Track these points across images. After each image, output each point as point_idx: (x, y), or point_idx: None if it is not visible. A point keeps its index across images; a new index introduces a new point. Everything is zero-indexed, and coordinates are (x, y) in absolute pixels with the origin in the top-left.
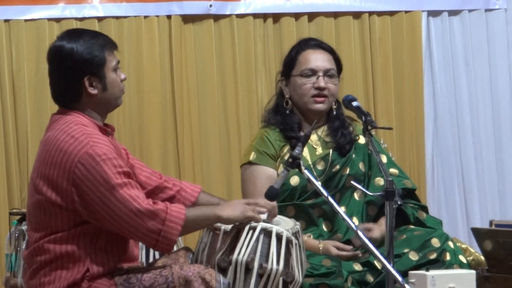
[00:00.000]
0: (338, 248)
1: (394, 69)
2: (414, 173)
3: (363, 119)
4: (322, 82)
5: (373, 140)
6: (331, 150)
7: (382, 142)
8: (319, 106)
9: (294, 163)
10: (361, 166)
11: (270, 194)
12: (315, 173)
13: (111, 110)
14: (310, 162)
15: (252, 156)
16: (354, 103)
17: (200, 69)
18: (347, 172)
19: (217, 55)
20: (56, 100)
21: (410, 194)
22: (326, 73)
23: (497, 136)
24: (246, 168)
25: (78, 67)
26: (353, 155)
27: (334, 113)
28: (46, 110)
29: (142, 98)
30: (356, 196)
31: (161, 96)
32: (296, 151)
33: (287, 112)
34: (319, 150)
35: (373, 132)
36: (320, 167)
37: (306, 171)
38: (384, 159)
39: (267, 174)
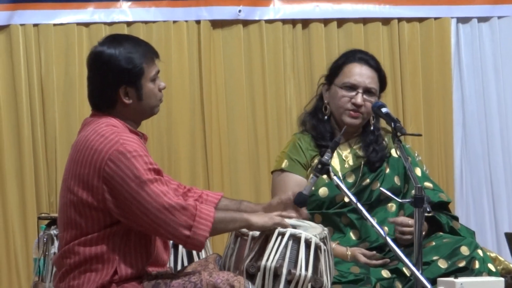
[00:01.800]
0: (365, 256)
1: (423, 76)
2: (442, 180)
3: (392, 125)
4: (359, 99)
5: (402, 146)
6: (362, 164)
7: (416, 154)
8: (352, 121)
9: (324, 169)
10: (396, 180)
11: (299, 200)
12: (346, 186)
13: (146, 118)
14: (340, 175)
15: (284, 164)
16: (384, 110)
17: (228, 75)
18: (378, 186)
19: (245, 61)
20: (92, 104)
21: (443, 207)
22: (366, 91)
23: None
24: (278, 174)
25: (115, 76)
26: (387, 170)
27: (371, 128)
28: (74, 114)
29: (170, 103)
30: (389, 208)
31: (190, 101)
32: (326, 157)
33: (324, 118)
34: (349, 163)
35: (408, 144)
36: (350, 179)
37: (335, 177)
38: (418, 172)
39: (298, 182)
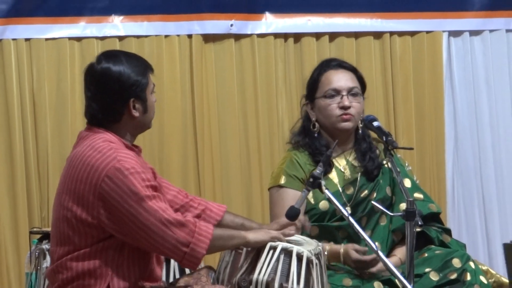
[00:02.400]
0: (358, 252)
1: (414, 89)
2: (434, 193)
3: (384, 139)
4: (346, 101)
5: (394, 160)
6: (359, 175)
7: (407, 165)
8: (346, 125)
9: (315, 183)
10: (387, 190)
11: (291, 214)
12: (344, 198)
13: (143, 131)
14: (339, 187)
15: (282, 180)
16: (375, 123)
17: (220, 89)
18: (374, 196)
19: (237, 75)
20: (91, 120)
21: (435, 217)
22: (350, 91)
23: None
24: (276, 190)
25: (126, 90)
26: (381, 180)
27: (360, 132)
28: (66, 128)
29: (162, 117)
30: (381, 222)
31: (182, 115)
32: (317, 171)
33: (315, 135)
34: (347, 175)
35: (398, 154)
36: (349, 192)
37: (327, 191)
38: (408, 183)
39: (297, 198)
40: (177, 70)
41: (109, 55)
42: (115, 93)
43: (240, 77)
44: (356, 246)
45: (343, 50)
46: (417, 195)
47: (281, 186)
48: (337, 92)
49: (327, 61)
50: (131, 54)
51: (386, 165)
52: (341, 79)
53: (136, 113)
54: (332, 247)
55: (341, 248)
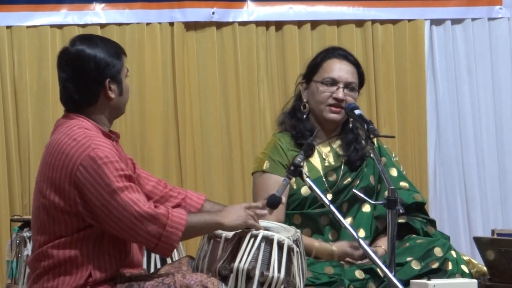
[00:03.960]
0: (353, 247)
1: (396, 78)
2: (416, 182)
3: (365, 127)
4: (341, 94)
5: (374, 148)
6: (343, 163)
7: (394, 155)
8: (334, 116)
9: (296, 171)
10: (371, 179)
11: (272, 202)
12: (326, 185)
13: (118, 116)
14: (321, 173)
15: (265, 165)
16: (357, 111)
17: (202, 76)
18: (357, 183)
19: (219, 63)
20: (67, 103)
21: (419, 208)
22: (347, 85)
23: (500, 145)
24: (259, 176)
25: (101, 70)
26: (365, 169)
27: (350, 125)
28: (48, 116)
29: (144, 104)
30: (363, 208)
31: (163, 103)
32: (298, 159)
33: (303, 117)
34: (330, 162)
35: (385, 145)
36: (331, 178)
37: (308, 179)
38: (394, 172)
39: (279, 183)
40: (159, 58)
41: (84, 38)
42: (91, 73)
43: (221, 65)
44: (352, 243)
45: (325, 38)
46: (402, 184)
47: (264, 171)
48: (334, 82)
49: (334, 48)
50: (104, 38)
51: (370, 158)
52: (342, 70)
53: (112, 95)
54: (323, 245)
55: (332, 246)
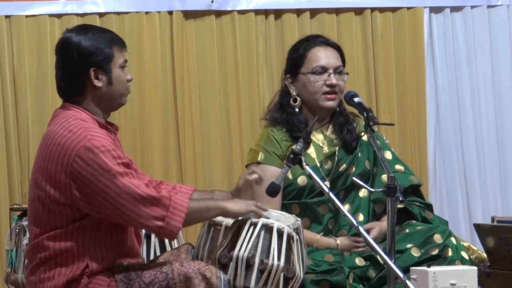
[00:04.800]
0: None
1: (396, 66)
2: (416, 169)
3: (365, 115)
4: (334, 80)
5: (375, 136)
6: (337, 149)
7: (385, 138)
8: (330, 104)
9: (296, 159)
10: (366, 164)
11: (271, 190)
12: (322, 173)
13: (115, 108)
14: (317, 162)
15: (260, 157)
16: (356, 99)
17: (201, 65)
18: (353, 171)
19: (218, 51)
20: (60, 93)
21: (415, 190)
22: (336, 70)
23: (499, 132)
24: (254, 167)
25: (84, 58)
26: (359, 154)
27: (337, 109)
28: (47, 105)
29: (143, 94)
30: (360, 193)
31: (162, 93)
32: (298, 147)
33: (294, 110)
34: (326, 149)
35: (375, 128)
36: (327, 166)
37: (307, 167)
38: (388, 155)
39: (275, 174)
40: (158, 47)
41: (79, 27)
42: (74, 61)
43: (221, 54)
44: (356, 238)
45: (324, 26)
46: (398, 167)
47: (259, 163)
48: (324, 69)
49: (313, 37)
50: (102, 29)
51: (365, 138)
52: (329, 57)
53: (98, 83)
54: (325, 240)
55: (336, 240)
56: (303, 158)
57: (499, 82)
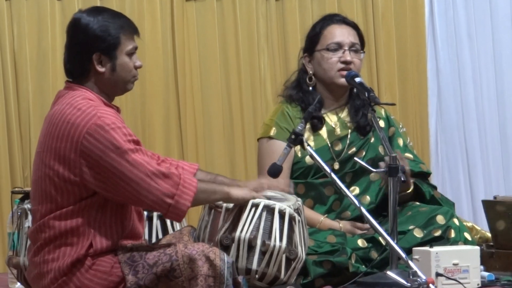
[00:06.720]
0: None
1: (397, 45)
2: (418, 149)
3: (366, 95)
4: (348, 56)
5: (375, 116)
6: (349, 131)
7: (401, 126)
8: (344, 80)
9: (297, 140)
10: (380, 149)
11: (273, 171)
12: (332, 154)
13: (119, 93)
14: (328, 142)
15: (273, 131)
16: (357, 79)
17: (202, 47)
18: (363, 155)
19: (219, 32)
20: (66, 73)
21: (423, 178)
22: (351, 47)
23: (501, 111)
24: (265, 141)
25: (89, 42)
26: (372, 139)
27: (355, 90)
28: (47, 87)
29: (144, 76)
30: (371, 177)
31: (163, 74)
32: (299, 127)
33: (310, 89)
34: (338, 131)
35: (392, 116)
36: (337, 148)
37: (309, 148)
38: (400, 142)
39: None
40: (159, 29)
41: (92, 9)
42: (79, 44)
43: (222, 35)
44: (358, 224)
45: (325, 7)
46: (407, 154)
47: (271, 138)
48: (339, 46)
49: (330, 16)
50: (117, 12)
51: (381, 125)
52: (344, 34)
53: (101, 69)
54: (328, 221)
55: (339, 223)
56: (304, 139)
57: (501, 60)
